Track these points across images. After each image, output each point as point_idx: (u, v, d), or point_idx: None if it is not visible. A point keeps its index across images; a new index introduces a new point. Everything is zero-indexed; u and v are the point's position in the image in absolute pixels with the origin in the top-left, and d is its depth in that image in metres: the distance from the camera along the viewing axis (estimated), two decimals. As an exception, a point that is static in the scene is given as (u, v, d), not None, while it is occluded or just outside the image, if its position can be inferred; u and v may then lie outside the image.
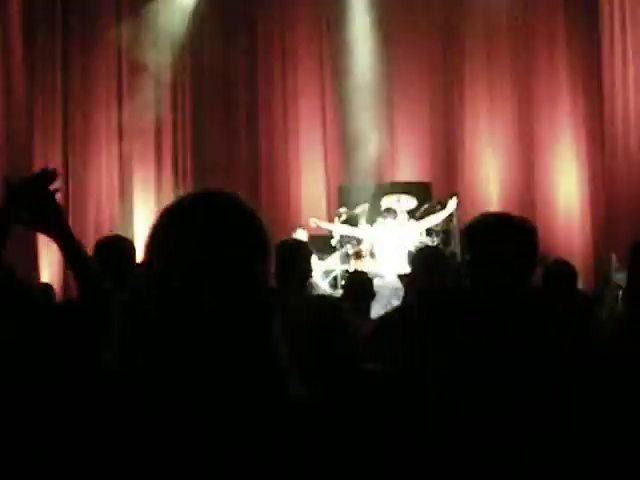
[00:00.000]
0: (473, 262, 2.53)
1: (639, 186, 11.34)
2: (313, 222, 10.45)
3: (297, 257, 4.27)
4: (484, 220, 2.62)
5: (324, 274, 10.50)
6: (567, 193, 12.15)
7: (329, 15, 12.92)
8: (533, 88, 12.38)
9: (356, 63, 12.70)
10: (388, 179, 12.27)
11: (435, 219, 10.14)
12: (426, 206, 10.56)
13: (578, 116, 12.18)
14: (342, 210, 10.94)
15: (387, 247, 9.67)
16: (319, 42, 12.99)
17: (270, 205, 12.39)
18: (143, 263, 1.52)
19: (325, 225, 10.55)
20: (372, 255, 10.06)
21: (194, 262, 1.47)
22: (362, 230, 10.20)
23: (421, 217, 10.35)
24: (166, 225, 1.52)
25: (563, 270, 4.58)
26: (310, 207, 12.52)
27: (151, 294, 1.48)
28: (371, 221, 10.47)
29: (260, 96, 12.94)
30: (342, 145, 12.84)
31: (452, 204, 10.21)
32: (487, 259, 2.48)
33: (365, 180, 12.11)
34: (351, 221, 10.78)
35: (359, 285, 5.50)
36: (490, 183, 12.07)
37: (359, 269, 9.28)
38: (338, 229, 10.43)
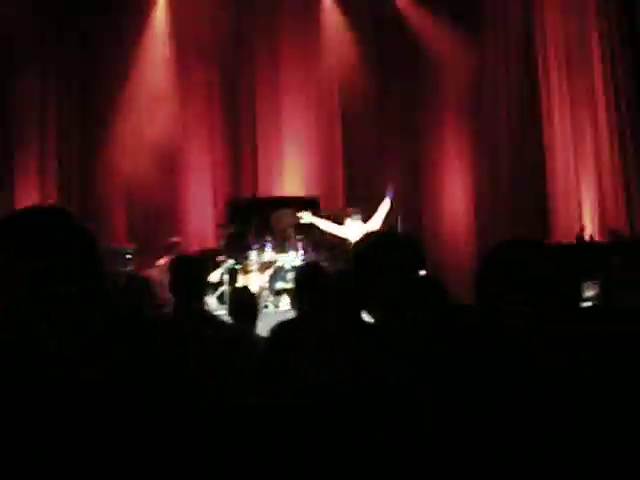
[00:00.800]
0: (360, 279, 2.58)
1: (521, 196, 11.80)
2: (302, 215, 10.34)
3: (191, 272, 4.23)
4: (370, 238, 2.74)
5: (211, 289, 10.42)
6: (454, 204, 12.41)
7: (221, 27, 12.88)
8: (421, 101, 12.62)
9: (243, 77, 12.72)
10: (277, 194, 12.29)
11: (380, 215, 10.21)
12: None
13: (463, 127, 12.48)
14: (229, 225, 10.91)
15: None
16: (211, 54, 12.92)
17: (155, 219, 12.26)
18: None
19: (314, 219, 10.40)
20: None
21: (23, 273, 1.57)
22: (340, 229, 10.15)
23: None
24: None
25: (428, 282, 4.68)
26: (197, 223, 12.43)
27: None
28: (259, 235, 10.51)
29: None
30: (230, 161, 12.81)
31: (390, 193, 10.36)
32: (374, 274, 2.55)
33: (252, 195, 12.13)
34: (240, 236, 10.74)
35: (243, 301, 5.49)
36: (379, 196, 12.20)
37: (245, 284, 9.25)
38: (324, 225, 10.34)
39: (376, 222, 10.11)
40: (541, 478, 2.03)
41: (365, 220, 10.12)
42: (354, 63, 12.65)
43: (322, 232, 10.56)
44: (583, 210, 11.69)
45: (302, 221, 10.36)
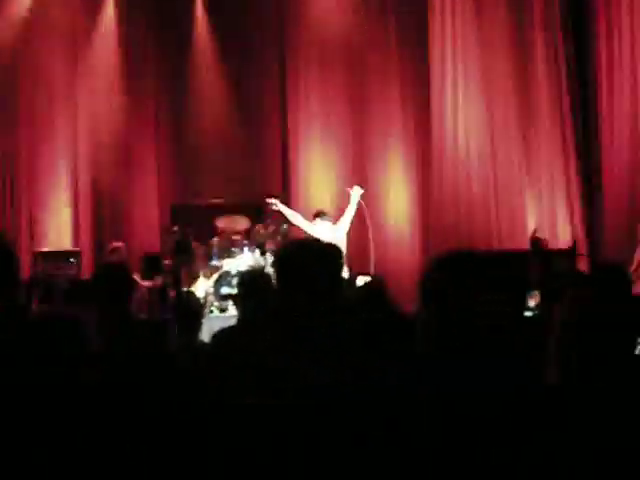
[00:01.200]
0: (282, 286, 2.62)
1: (465, 199, 11.94)
2: (273, 203, 10.21)
3: (115, 279, 4.13)
4: (290, 247, 2.81)
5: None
6: (399, 208, 12.45)
7: (167, 32, 12.80)
8: (366, 104, 12.61)
9: (191, 78, 12.69)
10: (222, 199, 12.26)
11: (348, 216, 10.14)
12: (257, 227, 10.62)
13: (409, 131, 12.55)
14: (175, 228, 10.84)
15: None
16: (155, 58, 12.82)
17: (103, 222, 12.18)
18: None
19: (283, 208, 10.28)
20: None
21: None
22: (310, 226, 10.05)
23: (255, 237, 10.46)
24: None
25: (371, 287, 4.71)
26: (142, 225, 12.33)
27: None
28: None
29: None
30: (175, 163, 12.74)
31: (356, 193, 10.25)
32: (294, 282, 2.59)
33: (198, 199, 12.08)
34: (185, 241, 10.70)
35: (187, 306, 5.46)
36: (324, 200, 12.20)
37: (191, 289, 9.21)
38: (292, 217, 10.24)
39: (344, 224, 10.09)
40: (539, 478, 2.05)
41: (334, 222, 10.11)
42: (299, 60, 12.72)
43: (272, 235, 10.53)
44: (527, 217, 11.86)
45: (273, 207, 10.32)
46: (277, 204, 10.28)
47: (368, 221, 10.68)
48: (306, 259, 2.59)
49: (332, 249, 2.67)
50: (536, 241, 10.42)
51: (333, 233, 9.78)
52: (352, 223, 10.30)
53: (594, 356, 2.49)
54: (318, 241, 2.78)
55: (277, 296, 2.64)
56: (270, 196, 10.48)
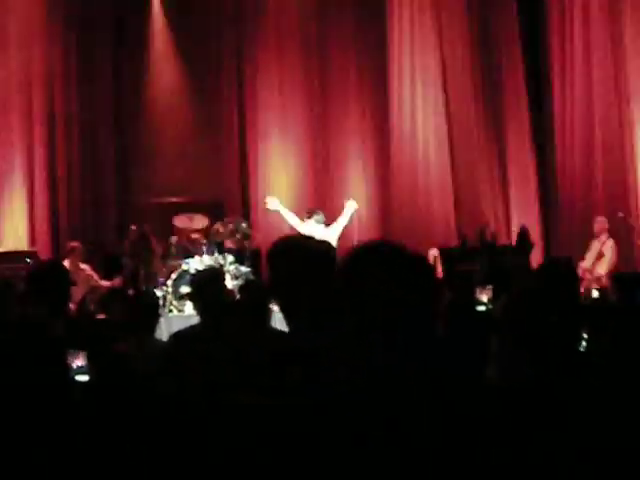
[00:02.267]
0: (275, 282, 2.62)
1: (424, 200, 12.07)
2: (268, 201, 10.22)
3: (52, 279, 4.03)
4: (284, 242, 2.75)
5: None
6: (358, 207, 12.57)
7: (133, 33, 12.79)
8: (326, 104, 12.71)
9: (158, 75, 12.69)
10: (180, 197, 12.25)
11: (340, 225, 10.17)
12: (217, 225, 10.62)
13: (366, 133, 12.66)
14: (133, 227, 10.80)
15: None
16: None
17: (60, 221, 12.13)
18: None
19: (280, 208, 10.28)
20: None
21: None
22: (303, 226, 10.00)
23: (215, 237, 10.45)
24: None
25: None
26: (100, 224, 12.30)
27: None
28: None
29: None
30: (135, 160, 12.70)
31: (351, 206, 10.28)
32: (288, 279, 2.58)
33: (157, 198, 12.05)
34: (143, 239, 10.67)
35: (145, 305, 5.45)
36: (283, 201, 12.24)
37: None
38: (288, 217, 10.22)
39: (336, 231, 10.08)
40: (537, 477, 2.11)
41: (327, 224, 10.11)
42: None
43: (230, 234, 10.51)
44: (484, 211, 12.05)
45: (268, 207, 10.29)
46: (274, 202, 10.29)
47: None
48: (302, 255, 2.58)
49: (327, 246, 2.65)
50: (482, 234, 10.60)
51: (325, 235, 9.78)
52: (341, 232, 10.31)
53: (539, 351, 2.55)
54: (312, 238, 2.77)
55: (273, 291, 2.63)
56: (269, 195, 10.53)
